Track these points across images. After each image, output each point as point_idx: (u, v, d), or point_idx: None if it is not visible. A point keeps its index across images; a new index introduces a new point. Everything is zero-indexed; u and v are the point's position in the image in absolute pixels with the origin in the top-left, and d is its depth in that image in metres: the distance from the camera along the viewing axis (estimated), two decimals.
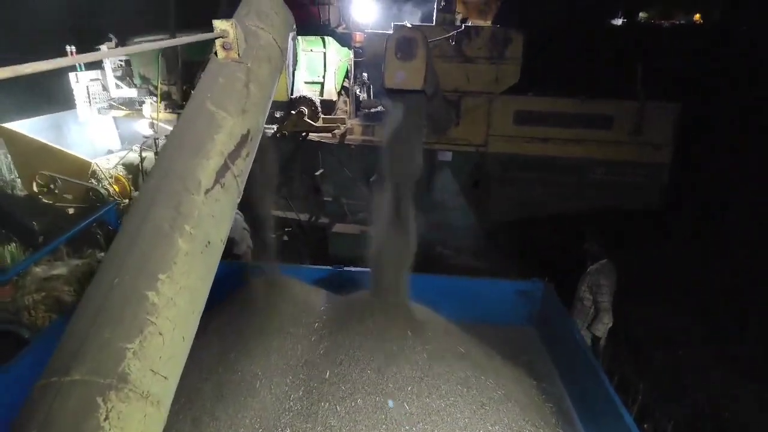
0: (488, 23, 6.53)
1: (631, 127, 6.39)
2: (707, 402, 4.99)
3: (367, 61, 6.85)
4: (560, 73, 7.00)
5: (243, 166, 2.06)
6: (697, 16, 20.39)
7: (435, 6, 6.87)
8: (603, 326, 4.61)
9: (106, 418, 1.12)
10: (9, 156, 9.62)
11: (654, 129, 6.39)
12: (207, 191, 1.76)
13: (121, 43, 7.99)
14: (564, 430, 3.32)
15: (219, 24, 2.10)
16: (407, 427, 2.89)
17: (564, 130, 6.53)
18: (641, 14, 20.71)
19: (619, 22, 18.33)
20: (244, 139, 2.07)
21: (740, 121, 9.18)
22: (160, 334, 1.34)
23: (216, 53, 2.16)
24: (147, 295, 1.37)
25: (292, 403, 3.04)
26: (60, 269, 7.04)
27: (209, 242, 1.69)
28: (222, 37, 2.13)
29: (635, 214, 6.50)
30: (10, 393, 2.96)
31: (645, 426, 4.53)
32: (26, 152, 8.03)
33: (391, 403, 2.95)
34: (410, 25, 5.95)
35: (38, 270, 6.92)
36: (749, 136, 8.71)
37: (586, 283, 4.72)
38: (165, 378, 1.32)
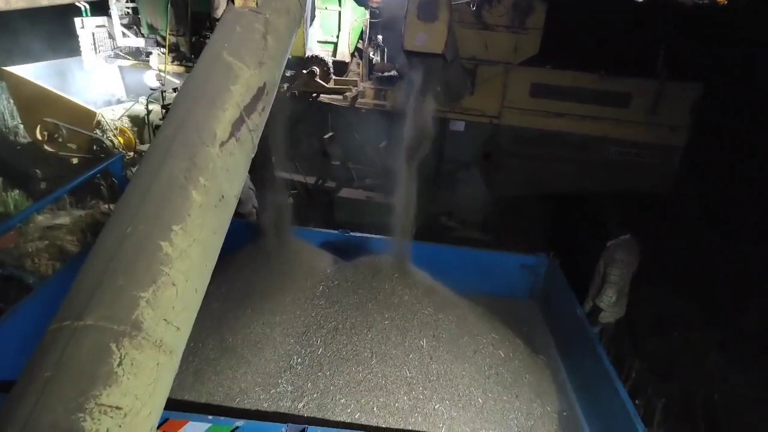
0: None
1: (648, 106, 6.26)
2: (698, 383, 5.07)
3: (383, 23, 6.66)
4: (581, 47, 6.79)
5: (258, 120, 2.01)
6: None
7: None
8: (607, 299, 4.64)
9: (120, 364, 1.11)
10: (12, 101, 9.48)
11: (671, 110, 6.25)
12: (222, 144, 1.72)
13: None
14: (558, 400, 3.38)
15: None
16: (407, 390, 2.93)
17: (580, 105, 6.39)
18: None
19: None
20: (261, 92, 2.01)
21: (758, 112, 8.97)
22: (174, 284, 1.33)
23: (233, 1, 2.09)
24: (161, 245, 1.35)
25: (293, 362, 3.07)
26: (63, 219, 7.06)
27: (223, 196, 1.66)
28: None
29: (644, 195, 6.43)
30: (16, 336, 3.00)
31: (636, 402, 4.60)
32: (30, 98, 7.87)
33: None
34: None
35: (41, 218, 6.94)
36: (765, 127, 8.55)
37: (604, 257, 4.75)
38: (177, 328, 1.31)
